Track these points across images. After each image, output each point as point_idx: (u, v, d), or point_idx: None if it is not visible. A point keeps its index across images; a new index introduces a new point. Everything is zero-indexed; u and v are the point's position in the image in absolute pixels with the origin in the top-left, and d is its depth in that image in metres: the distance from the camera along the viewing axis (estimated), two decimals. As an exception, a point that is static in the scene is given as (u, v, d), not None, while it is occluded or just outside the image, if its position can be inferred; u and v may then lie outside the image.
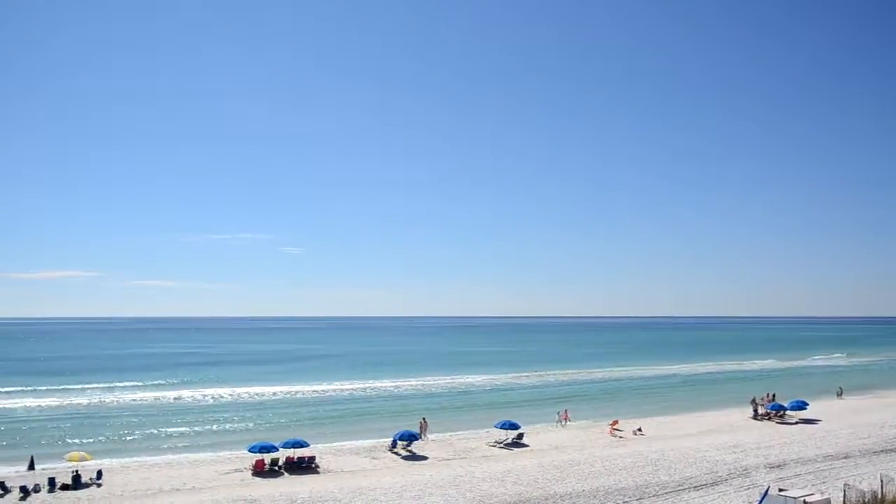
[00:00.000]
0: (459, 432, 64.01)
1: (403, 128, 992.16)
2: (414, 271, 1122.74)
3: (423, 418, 60.36)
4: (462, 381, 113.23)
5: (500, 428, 57.35)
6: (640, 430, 61.98)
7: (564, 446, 55.42)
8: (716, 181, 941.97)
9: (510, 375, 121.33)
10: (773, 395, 76.22)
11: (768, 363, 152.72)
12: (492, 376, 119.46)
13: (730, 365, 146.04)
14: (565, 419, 67.51)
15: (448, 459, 50.64)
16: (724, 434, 59.97)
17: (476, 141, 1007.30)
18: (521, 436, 57.82)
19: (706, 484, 41.60)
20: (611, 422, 64.76)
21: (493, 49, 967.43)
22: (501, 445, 55.89)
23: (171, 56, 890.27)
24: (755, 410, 70.65)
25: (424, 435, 58.11)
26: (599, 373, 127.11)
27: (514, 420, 59.15)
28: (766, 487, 37.44)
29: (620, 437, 59.66)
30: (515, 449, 54.76)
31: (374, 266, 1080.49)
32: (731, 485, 41.41)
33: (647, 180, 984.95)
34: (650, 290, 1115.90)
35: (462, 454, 52.64)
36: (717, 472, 44.61)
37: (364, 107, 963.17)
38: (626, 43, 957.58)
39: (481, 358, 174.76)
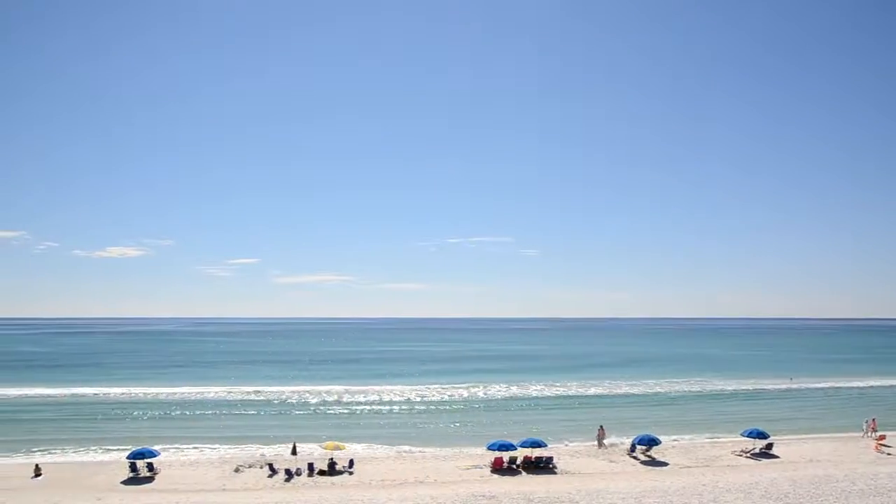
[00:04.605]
0: (702, 438, 61.65)
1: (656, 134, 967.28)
2: (654, 272, 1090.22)
3: (602, 427, 58.55)
4: (706, 385, 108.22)
5: (747, 436, 54.12)
6: (913, 446, 55.32)
7: (819, 460, 51.01)
8: None
9: (761, 381, 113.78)
10: None
11: None
12: (739, 381, 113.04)
13: None
14: (873, 429, 61.08)
15: (690, 467, 48.88)
16: None
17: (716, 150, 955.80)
18: (769, 446, 54.22)
19: None
20: (877, 436, 58.50)
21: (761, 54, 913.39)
22: (748, 455, 52.81)
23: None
24: None
25: (602, 443, 56.64)
26: (857, 381, 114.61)
27: (761, 428, 55.56)
28: None
29: (888, 454, 53.60)
30: (763, 459, 51.46)
31: (611, 267, 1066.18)
32: None
33: None
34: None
35: (705, 462, 50.53)
36: None
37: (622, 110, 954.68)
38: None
39: (722, 362, 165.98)
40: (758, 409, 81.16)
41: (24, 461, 51.96)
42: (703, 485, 42.37)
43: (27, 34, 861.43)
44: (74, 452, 55.86)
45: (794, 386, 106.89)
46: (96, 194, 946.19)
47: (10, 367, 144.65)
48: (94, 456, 54.86)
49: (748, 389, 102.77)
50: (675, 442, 58.27)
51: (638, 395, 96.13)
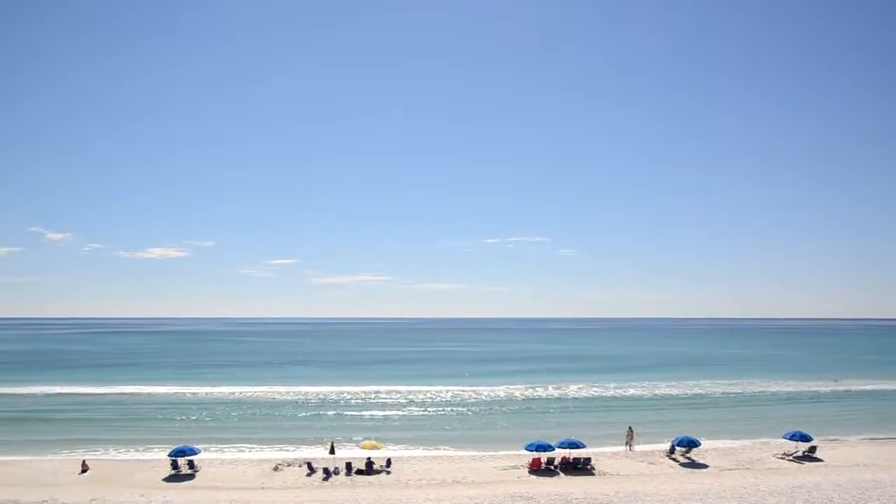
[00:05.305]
0: (743, 440, 60.66)
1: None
2: (685, 273, 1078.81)
3: (630, 427, 57.92)
4: (747, 386, 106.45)
5: (790, 439, 53.12)
6: (964, 450, 53.73)
7: (867, 464, 49.82)
8: None
9: (803, 382, 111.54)
10: None
11: None
12: (780, 382, 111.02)
13: None
14: None
15: (730, 469, 48.14)
16: None
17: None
18: (813, 448, 53.10)
19: None
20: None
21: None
22: (790, 458, 51.85)
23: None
24: None
25: (631, 445, 55.94)
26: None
27: (804, 431, 54.44)
28: None
29: (938, 458, 52.20)
30: (807, 463, 50.48)
31: (647, 267, 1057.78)
32: None
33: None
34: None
35: (745, 465, 49.71)
36: None
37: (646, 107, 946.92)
38: None
39: (761, 363, 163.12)
40: (801, 411, 79.54)
41: (70, 458, 53.19)
42: (744, 488, 41.74)
43: (45, 32, 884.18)
44: (116, 451, 57.02)
45: (840, 388, 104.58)
46: (139, 196, 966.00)
47: (55, 366, 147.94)
48: (136, 454, 55.97)
49: (790, 391, 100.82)
50: (715, 444, 57.42)
51: (677, 397, 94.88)
